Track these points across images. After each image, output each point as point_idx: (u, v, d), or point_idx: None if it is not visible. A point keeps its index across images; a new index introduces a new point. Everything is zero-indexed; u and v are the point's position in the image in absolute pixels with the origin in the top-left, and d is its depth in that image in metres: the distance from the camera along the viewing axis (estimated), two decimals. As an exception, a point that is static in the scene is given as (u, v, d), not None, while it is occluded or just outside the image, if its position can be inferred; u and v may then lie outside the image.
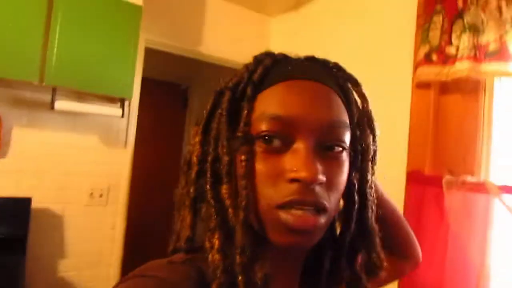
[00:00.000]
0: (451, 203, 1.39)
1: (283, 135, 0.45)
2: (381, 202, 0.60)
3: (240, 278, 0.43)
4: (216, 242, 0.45)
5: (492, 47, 1.29)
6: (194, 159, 0.49)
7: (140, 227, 2.83)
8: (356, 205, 0.51)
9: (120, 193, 2.09)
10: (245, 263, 0.43)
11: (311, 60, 0.53)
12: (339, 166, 0.47)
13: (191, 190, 0.49)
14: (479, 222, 1.33)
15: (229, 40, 2.46)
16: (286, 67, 0.49)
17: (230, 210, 0.45)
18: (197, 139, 0.50)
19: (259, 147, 0.45)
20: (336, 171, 0.46)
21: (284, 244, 0.44)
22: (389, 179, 1.66)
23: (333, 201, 0.46)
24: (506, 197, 1.25)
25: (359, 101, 0.52)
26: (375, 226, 0.53)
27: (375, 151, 0.53)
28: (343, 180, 0.47)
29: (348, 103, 0.50)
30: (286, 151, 0.45)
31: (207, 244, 0.45)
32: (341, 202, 0.51)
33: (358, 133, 0.51)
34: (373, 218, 0.52)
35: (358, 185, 0.51)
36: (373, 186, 0.52)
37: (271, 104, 0.46)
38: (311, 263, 0.54)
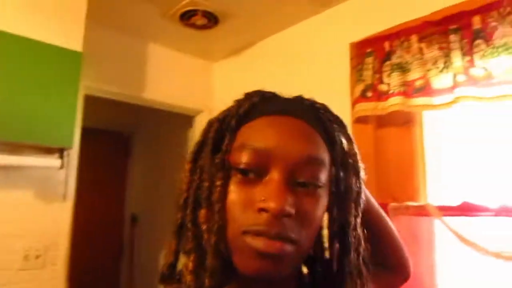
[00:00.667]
0: (398, 228, 1.46)
1: (259, 167, 0.46)
2: (371, 214, 0.61)
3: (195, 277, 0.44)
4: (190, 264, 0.46)
5: (418, 83, 1.44)
6: (183, 186, 0.51)
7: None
8: (337, 247, 0.51)
9: (59, 252, 1.92)
10: (213, 287, 0.44)
11: (298, 99, 0.55)
12: (313, 203, 0.47)
13: (178, 216, 0.50)
14: (425, 244, 1.42)
15: (173, 85, 2.48)
16: (272, 103, 0.52)
17: (205, 235, 0.46)
18: (187, 167, 0.52)
19: (235, 177, 0.47)
20: (309, 207, 0.46)
21: (251, 270, 0.44)
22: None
23: (304, 236, 0.46)
24: (446, 218, 1.35)
25: (344, 142, 0.54)
26: (360, 269, 0.52)
27: (358, 193, 0.52)
28: (317, 216, 0.47)
29: (331, 142, 0.51)
30: (260, 182, 0.46)
31: (183, 267, 0.47)
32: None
33: (341, 173, 0.52)
34: (359, 260, 0.51)
35: (340, 227, 0.51)
36: (357, 229, 0.52)
37: (250, 136, 0.48)
38: None
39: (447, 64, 1.39)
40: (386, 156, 1.65)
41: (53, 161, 1.76)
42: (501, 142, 1.39)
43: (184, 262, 0.48)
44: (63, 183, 1.96)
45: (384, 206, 1.49)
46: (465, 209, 1.30)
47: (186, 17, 2.09)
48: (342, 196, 0.51)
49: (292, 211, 0.44)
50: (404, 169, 1.59)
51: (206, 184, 0.48)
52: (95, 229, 2.97)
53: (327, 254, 0.53)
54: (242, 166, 0.46)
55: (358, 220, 0.52)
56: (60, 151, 1.81)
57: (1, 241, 1.74)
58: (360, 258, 0.52)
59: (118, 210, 3.18)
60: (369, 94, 1.59)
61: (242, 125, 0.49)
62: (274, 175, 0.45)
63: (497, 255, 1.20)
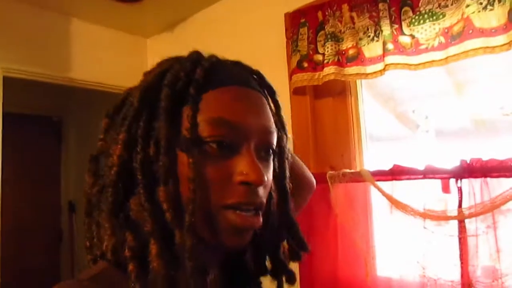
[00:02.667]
0: (336, 195, 1.51)
1: (231, 140, 0.47)
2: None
3: (191, 283, 0.42)
4: (154, 248, 0.42)
5: (351, 52, 1.46)
6: (115, 158, 0.46)
7: (17, 282, 2.43)
8: (277, 200, 0.55)
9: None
10: (196, 267, 0.42)
11: (241, 66, 0.57)
12: (269, 167, 0.51)
13: (109, 193, 0.45)
14: (361, 209, 1.47)
15: (103, 63, 2.33)
16: (225, 71, 0.52)
17: (168, 214, 0.43)
18: (121, 136, 0.47)
19: (209, 150, 0.46)
20: (268, 172, 0.50)
21: (230, 245, 0.46)
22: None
23: (266, 199, 0.50)
24: (379, 183, 1.41)
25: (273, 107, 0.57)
26: (295, 215, 0.57)
27: (288, 150, 0.58)
28: (271, 179, 0.52)
29: (275, 110, 0.55)
30: (233, 155, 0.47)
31: (127, 253, 0.43)
32: None
33: (280, 136, 0.55)
34: (291, 210, 0.56)
35: (279, 181, 0.55)
36: (289, 180, 0.57)
37: (219, 108, 0.47)
38: (233, 260, 0.55)
39: (377, 33, 1.41)
40: (324, 126, 1.68)
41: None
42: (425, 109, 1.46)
43: (130, 243, 0.43)
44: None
45: (322, 175, 1.53)
46: (396, 173, 1.36)
47: (113, -11, 1.95)
48: (281, 155, 0.56)
49: (267, 180, 0.47)
50: (341, 138, 1.63)
51: (164, 159, 0.44)
52: (29, 220, 2.78)
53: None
54: (218, 138, 0.46)
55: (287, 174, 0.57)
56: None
57: None
58: (291, 204, 0.56)
59: (54, 199, 2.99)
60: (305, 64, 1.59)
61: (202, 94, 0.48)
62: (248, 148, 0.47)
63: (425, 216, 1.27)
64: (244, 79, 0.52)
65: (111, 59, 2.37)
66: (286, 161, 0.56)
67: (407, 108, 1.78)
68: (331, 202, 1.49)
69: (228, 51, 2.15)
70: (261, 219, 0.48)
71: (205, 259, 0.44)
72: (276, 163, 0.55)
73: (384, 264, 1.39)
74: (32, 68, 2.04)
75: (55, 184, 3.09)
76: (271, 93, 0.56)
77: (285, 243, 0.58)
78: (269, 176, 0.50)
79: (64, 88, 2.28)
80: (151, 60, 2.53)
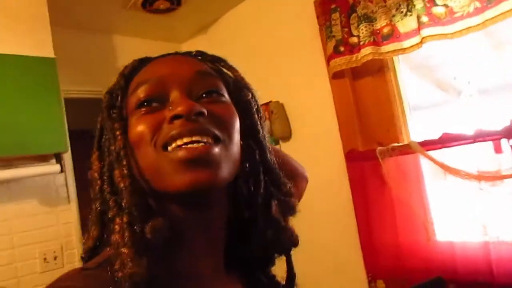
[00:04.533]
0: (388, 170, 1.58)
1: (158, 95, 0.46)
2: (275, 152, 0.63)
3: (126, 234, 0.41)
4: (117, 227, 0.43)
5: (385, 31, 1.51)
6: (95, 175, 0.49)
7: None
8: (257, 153, 0.53)
9: (75, 250, 2.00)
10: (131, 221, 0.42)
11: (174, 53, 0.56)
12: (223, 106, 0.48)
13: (97, 204, 0.48)
14: (414, 179, 1.53)
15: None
16: (150, 58, 0.52)
17: (124, 191, 0.44)
18: (94, 156, 0.50)
19: (138, 113, 0.46)
20: (220, 109, 0.47)
21: (186, 184, 0.42)
22: (330, 163, 1.84)
23: (227, 136, 0.46)
24: (430, 152, 1.46)
25: (229, 73, 0.56)
26: (277, 167, 0.55)
27: (258, 105, 0.55)
28: (232, 119, 0.48)
29: (217, 69, 0.54)
30: (164, 108, 0.46)
31: (112, 237, 0.43)
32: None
33: (237, 92, 0.54)
34: (273, 160, 0.55)
35: (250, 131, 0.53)
36: (264, 134, 0.55)
37: (140, 77, 0.49)
38: (232, 239, 0.53)
39: (410, 7, 1.45)
40: (366, 105, 1.74)
41: (52, 167, 1.80)
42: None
43: (112, 233, 0.44)
44: (64, 187, 2.00)
45: (372, 152, 1.61)
46: (446, 140, 1.41)
47: (149, 3, 2.09)
48: (246, 109, 0.53)
49: (203, 109, 0.44)
50: (384, 113, 1.68)
51: (112, 147, 0.47)
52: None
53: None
54: (142, 98, 0.46)
55: (265, 131, 0.55)
56: (57, 156, 1.84)
57: (21, 250, 1.81)
58: (273, 158, 0.55)
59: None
60: (341, 48, 1.65)
61: (129, 83, 0.50)
62: (175, 95, 0.46)
63: (480, 177, 1.31)
64: (161, 56, 0.52)
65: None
66: (255, 115, 0.54)
67: (447, 75, 1.80)
68: (384, 177, 1.57)
69: (262, 46, 2.26)
70: (217, 149, 0.44)
71: (167, 219, 0.43)
72: (244, 115, 0.52)
73: (444, 229, 1.45)
74: (86, 87, 2.22)
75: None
76: (220, 60, 0.55)
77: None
78: (221, 111, 0.47)
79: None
80: (190, 64, 2.66)
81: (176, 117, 0.43)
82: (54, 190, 1.96)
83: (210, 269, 0.50)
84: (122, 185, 0.44)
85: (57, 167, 1.79)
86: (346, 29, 1.64)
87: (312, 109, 1.92)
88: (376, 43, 1.53)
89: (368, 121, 1.73)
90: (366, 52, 1.54)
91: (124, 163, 0.45)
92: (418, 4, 1.41)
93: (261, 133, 0.54)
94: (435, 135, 1.44)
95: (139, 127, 0.45)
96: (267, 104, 2.08)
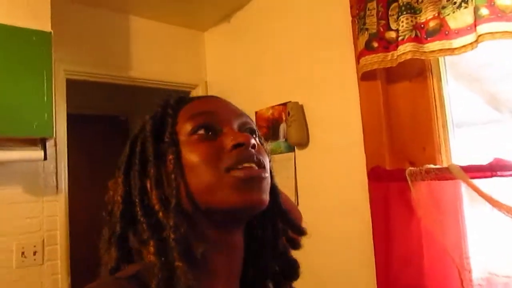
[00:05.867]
0: (418, 195, 1.28)
1: (212, 123, 0.54)
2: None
3: (175, 255, 0.46)
4: (152, 249, 0.48)
5: (432, 25, 1.22)
6: (118, 198, 0.54)
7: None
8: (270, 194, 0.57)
9: (59, 246, 1.82)
10: (179, 239, 0.47)
11: None
12: (261, 146, 0.56)
13: (117, 227, 0.52)
14: (451, 212, 1.23)
15: (162, 60, 2.30)
16: (190, 97, 0.61)
17: (160, 213, 0.50)
18: (120, 180, 0.55)
19: (194, 139, 0.53)
20: (260, 148, 0.55)
21: (243, 202, 0.50)
22: (350, 179, 1.56)
23: (267, 164, 0.55)
24: (473, 180, 1.16)
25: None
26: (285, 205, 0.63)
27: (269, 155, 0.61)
28: (266, 154, 0.56)
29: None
30: (218, 136, 0.53)
31: (146, 257, 0.49)
32: None
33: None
34: (283, 201, 0.63)
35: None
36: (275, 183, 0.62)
37: (195, 108, 0.56)
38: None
39: (465, -2, 1.16)
40: (400, 115, 1.45)
41: (33, 153, 1.63)
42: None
43: (144, 255, 0.50)
44: (53, 175, 1.84)
45: (401, 172, 1.32)
46: (496, 168, 1.10)
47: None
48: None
49: (256, 142, 0.53)
50: (421, 127, 1.39)
51: (153, 169, 0.52)
52: (98, 222, 2.88)
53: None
54: (200, 125, 0.53)
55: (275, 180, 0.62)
56: (42, 142, 1.67)
57: (-5, 241, 1.65)
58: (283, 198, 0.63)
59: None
60: (375, 44, 1.37)
61: (178, 112, 0.56)
62: (231, 127, 0.55)
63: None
64: (204, 96, 0.62)
65: (169, 56, 2.33)
66: (267, 156, 0.59)
67: (499, 88, 1.49)
68: (413, 203, 1.28)
69: (287, 37, 1.97)
70: (266, 174, 0.53)
71: (207, 243, 0.51)
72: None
73: (485, 279, 1.15)
74: (93, 70, 2.06)
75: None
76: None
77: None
78: (258, 143, 0.55)
79: (129, 88, 2.28)
80: (209, 54, 2.45)
81: (239, 145, 0.51)
82: (42, 178, 1.80)
83: None
84: (157, 207, 0.50)
85: (39, 154, 1.62)
86: (383, 21, 1.35)
87: (335, 114, 1.64)
88: (418, 40, 1.24)
89: (400, 135, 1.44)
90: (405, 50, 1.25)
91: (174, 185, 0.50)
92: (478, -7, 1.12)
93: (273, 174, 0.61)
94: (482, 160, 1.14)
95: (201, 152, 0.51)
96: (284, 104, 1.83)
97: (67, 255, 1.83)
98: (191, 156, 0.51)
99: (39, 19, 1.59)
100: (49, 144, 1.75)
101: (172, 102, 0.58)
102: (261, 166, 0.52)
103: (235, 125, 0.55)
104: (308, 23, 1.78)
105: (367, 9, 1.41)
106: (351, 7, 1.52)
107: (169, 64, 2.32)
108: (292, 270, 0.61)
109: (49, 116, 1.53)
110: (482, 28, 1.11)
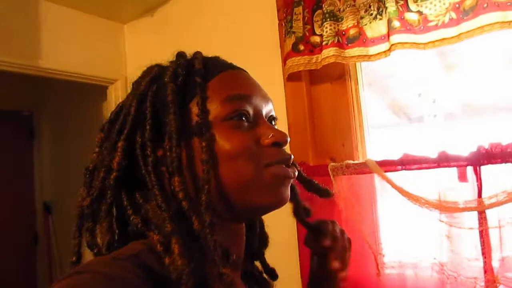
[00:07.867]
0: (339, 189, 1.39)
1: (248, 113, 0.51)
2: None
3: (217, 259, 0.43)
4: (176, 247, 0.42)
5: (352, 33, 1.34)
6: (114, 164, 0.48)
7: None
8: None
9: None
10: (219, 244, 0.44)
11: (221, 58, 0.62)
12: None
13: (108, 196, 0.47)
14: (367, 202, 1.36)
15: (76, 51, 2.13)
16: (215, 60, 0.57)
17: (184, 202, 0.45)
18: (119, 144, 0.49)
19: (229, 126, 0.49)
20: None
21: (278, 201, 0.50)
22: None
23: None
24: (388, 174, 1.30)
25: None
26: None
27: None
28: None
29: None
30: (254, 125, 0.52)
31: (158, 246, 0.43)
32: None
33: None
34: None
35: None
36: None
37: (231, 87, 0.51)
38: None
39: (380, 10, 1.29)
40: (322, 114, 1.56)
41: None
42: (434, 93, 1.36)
43: (159, 244, 0.43)
44: None
45: (324, 168, 1.42)
46: (406, 162, 1.25)
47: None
48: None
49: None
50: (341, 126, 1.51)
51: (177, 150, 0.46)
52: (0, 222, 2.56)
53: None
54: (241, 111, 0.50)
55: None
56: None
57: None
58: None
59: (27, 200, 2.78)
60: (301, 47, 1.45)
61: (206, 82, 0.51)
62: (263, 118, 0.53)
63: (440, 207, 1.17)
64: (232, 64, 0.58)
65: (85, 47, 2.17)
66: None
67: (409, 92, 1.69)
68: (335, 197, 1.38)
69: (214, 36, 1.98)
70: (296, 172, 0.54)
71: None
72: None
73: (397, 262, 1.29)
74: (3, 58, 1.83)
75: (28, 184, 2.88)
76: None
77: None
78: None
79: (35, 79, 2.07)
80: (129, 48, 2.34)
81: (277, 144, 0.51)
82: None
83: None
84: (181, 195, 0.45)
85: None
86: (308, 26, 1.45)
87: (261, 113, 1.70)
88: (340, 45, 1.35)
89: (322, 132, 1.55)
90: (329, 54, 1.35)
91: (207, 177, 0.46)
92: (391, 7, 1.26)
93: None
94: (394, 156, 1.28)
95: (240, 142, 0.48)
96: (211, 102, 1.84)
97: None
98: (228, 146, 0.47)
99: None
100: None
101: (198, 66, 0.52)
102: (292, 164, 0.53)
103: (264, 113, 0.54)
104: (235, 23, 1.81)
105: (293, 13, 1.48)
106: (278, 11, 1.59)
107: (84, 56, 2.16)
108: (267, 240, 0.68)
109: None
110: (394, 38, 1.25)
